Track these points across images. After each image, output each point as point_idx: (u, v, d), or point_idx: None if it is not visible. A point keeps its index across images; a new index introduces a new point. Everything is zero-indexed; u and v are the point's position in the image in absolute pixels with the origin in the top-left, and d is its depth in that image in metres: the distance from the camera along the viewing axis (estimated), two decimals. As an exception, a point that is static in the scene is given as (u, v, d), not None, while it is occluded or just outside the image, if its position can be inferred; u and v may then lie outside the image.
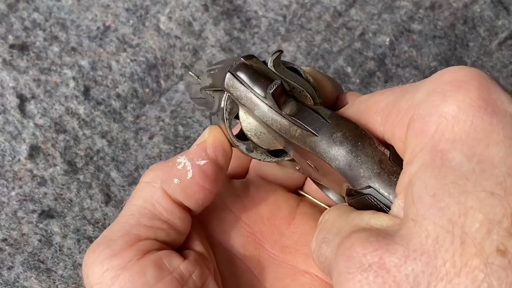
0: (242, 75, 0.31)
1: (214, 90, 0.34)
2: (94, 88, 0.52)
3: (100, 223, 0.48)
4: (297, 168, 0.34)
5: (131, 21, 0.55)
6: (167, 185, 0.32)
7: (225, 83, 0.32)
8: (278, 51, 0.32)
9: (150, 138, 0.51)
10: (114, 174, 0.50)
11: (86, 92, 0.52)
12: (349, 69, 0.54)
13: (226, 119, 0.33)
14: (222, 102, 0.33)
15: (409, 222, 0.24)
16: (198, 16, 0.55)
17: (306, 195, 0.37)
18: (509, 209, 0.23)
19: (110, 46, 0.54)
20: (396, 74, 0.55)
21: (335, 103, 0.35)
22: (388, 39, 0.56)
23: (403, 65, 0.55)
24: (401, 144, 0.28)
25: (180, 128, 0.52)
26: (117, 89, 0.53)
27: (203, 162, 0.32)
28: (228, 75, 0.32)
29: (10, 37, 0.53)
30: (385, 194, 0.28)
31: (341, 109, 0.33)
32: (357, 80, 0.54)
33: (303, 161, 0.32)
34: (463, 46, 0.56)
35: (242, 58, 0.32)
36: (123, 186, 0.49)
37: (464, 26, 0.57)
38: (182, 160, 0.32)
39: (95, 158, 0.50)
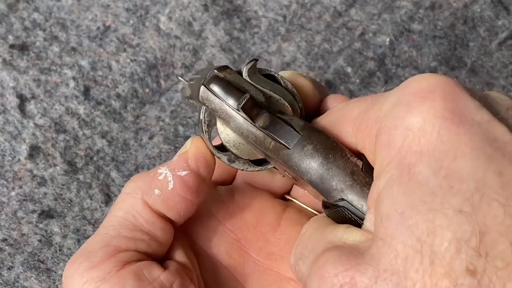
0: (215, 88, 0.31)
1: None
2: (94, 88, 0.52)
3: (100, 223, 0.48)
4: (282, 175, 0.34)
5: (131, 21, 0.55)
6: (148, 196, 0.31)
7: (200, 96, 0.31)
8: (253, 59, 0.32)
9: (150, 138, 0.51)
10: (114, 174, 0.50)
11: (86, 92, 0.52)
12: (349, 69, 0.54)
13: (205, 132, 0.32)
14: (201, 114, 0.32)
15: (378, 241, 0.24)
16: (198, 16, 0.55)
17: (293, 200, 0.37)
18: (477, 227, 0.22)
19: (110, 46, 0.54)
20: (396, 74, 0.55)
21: (319, 107, 0.34)
22: (388, 39, 0.56)
23: (403, 65, 0.55)
24: (371, 156, 0.28)
25: (180, 128, 0.52)
26: (117, 89, 0.53)
27: (184, 173, 0.31)
28: (202, 88, 0.31)
29: (10, 37, 0.53)
30: (358, 206, 0.28)
31: (319, 117, 0.32)
32: (357, 80, 0.54)
33: (283, 172, 0.32)
34: (463, 46, 0.56)
35: (215, 70, 0.31)
36: (123, 186, 0.49)
37: (464, 26, 0.57)
38: (163, 171, 0.32)
39: (95, 158, 0.50)
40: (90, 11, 0.55)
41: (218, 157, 0.32)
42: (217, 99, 0.31)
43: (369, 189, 0.27)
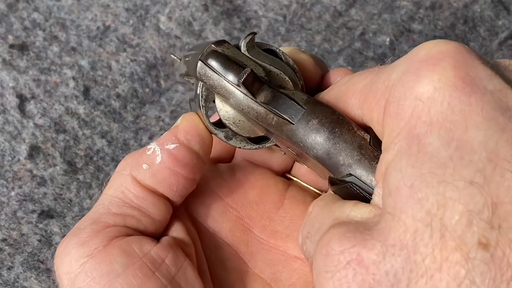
0: (213, 63, 0.30)
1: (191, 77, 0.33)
2: (94, 88, 0.52)
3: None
4: (283, 152, 0.33)
5: (131, 21, 0.55)
6: (136, 171, 0.31)
7: (197, 72, 0.30)
8: (251, 33, 0.31)
9: (150, 138, 0.51)
10: (114, 174, 0.50)
11: (86, 92, 0.52)
12: (349, 69, 0.54)
13: (203, 107, 0.31)
14: (198, 89, 0.31)
15: (386, 215, 0.23)
16: (198, 16, 0.55)
17: (295, 179, 0.36)
18: (489, 199, 0.21)
19: (110, 46, 0.54)
20: (396, 74, 0.55)
21: (320, 83, 0.33)
22: (388, 39, 0.56)
23: (403, 65, 0.55)
24: (379, 128, 0.27)
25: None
26: (117, 89, 0.53)
27: (173, 146, 0.31)
28: (199, 63, 0.30)
29: (10, 37, 0.53)
30: (367, 181, 0.27)
31: (323, 91, 0.31)
32: (357, 80, 0.54)
33: (285, 148, 0.31)
34: (464, 46, 0.56)
35: (212, 45, 0.30)
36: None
37: (464, 26, 0.57)
38: (152, 146, 0.31)
39: (95, 158, 0.50)
40: (90, 11, 0.55)
41: (215, 134, 0.31)
42: (216, 74, 0.30)
43: (377, 163, 0.26)
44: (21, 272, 0.46)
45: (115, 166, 0.50)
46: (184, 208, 0.33)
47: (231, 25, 0.55)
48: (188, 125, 0.31)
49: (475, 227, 0.21)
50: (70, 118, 0.51)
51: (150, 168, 0.31)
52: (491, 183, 0.22)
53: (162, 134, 0.51)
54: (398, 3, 0.57)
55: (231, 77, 0.29)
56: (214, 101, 0.31)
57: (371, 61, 0.55)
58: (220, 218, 0.34)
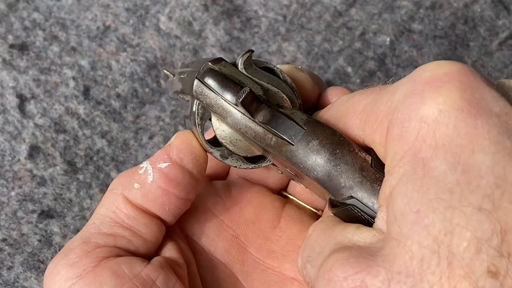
0: (210, 82, 0.29)
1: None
2: (94, 88, 0.52)
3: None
4: (280, 172, 0.32)
5: (131, 21, 0.55)
6: (128, 190, 0.30)
7: (194, 90, 0.29)
8: (249, 51, 0.30)
9: (150, 138, 0.51)
10: (114, 174, 0.50)
11: (86, 92, 0.52)
12: (349, 69, 0.54)
13: (198, 125, 0.30)
14: (194, 106, 0.30)
15: (391, 242, 0.22)
16: (198, 16, 0.55)
17: (291, 197, 0.35)
18: (498, 226, 0.21)
19: (110, 46, 0.54)
20: (397, 74, 0.55)
21: (317, 102, 0.33)
22: (388, 39, 0.56)
23: (404, 65, 0.55)
24: (382, 149, 0.26)
25: (180, 128, 0.52)
26: (117, 89, 0.52)
27: (165, 165, 0.30)
28: (196, 82, 0.29)
29: (10, 37, 0.53)
30: (369, 204, 0.27)
31: (321, 110, 0.31)
32: (358, 80, 0.54)
33: (283, 168, 0.31)
34: (464, 46, 0.56)
35: (209, 63, 0.29)
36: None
37: (464, 26, 0.56)
38: (144, 164, 0.30)
39: (95, 158, 0.50)
40: (90, 11, 0.55)
41: (211, 152, 0.31)
42: (213, 93, 0.29)
43: (379, 185, 0.26)
44: (21, 272, 0.46)
45: (115, 166, 0.50)
46: (179, 226, 0.33)
47: (231, 25, 0.55)
48: (181, 143, 0.31)
49: (484, 254, 0.21)
50: (70, 118, 0.51)
51: (141, 187, 0.30)
52: (500, 209, 0.21)
53: (162, 134, 0.51)
54: (398, 3, 0.57)
55: (229, 96, 0.29)
56: (210, 119, 0.31)
57: (371, 61, 0.55)
58: (215, 237, 0.33)
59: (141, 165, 0.31)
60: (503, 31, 0.56)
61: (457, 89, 0.23)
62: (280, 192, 0.36)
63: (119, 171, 0.50)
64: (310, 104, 0.33)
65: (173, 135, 0.51)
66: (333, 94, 0.32)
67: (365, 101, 0.27)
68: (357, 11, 0.56)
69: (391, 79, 0.28)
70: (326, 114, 0.30)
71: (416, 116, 0.23)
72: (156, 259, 0.30)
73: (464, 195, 0.21)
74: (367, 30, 0.56)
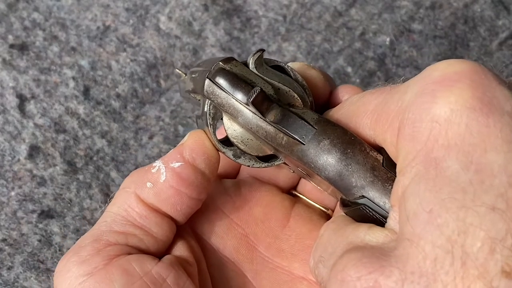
0: (221, 81, 0.29)
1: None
2: (94, 88, 0.52)
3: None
4: (292, 171, 0.32)
5: (131, 21, 0.55)
6: (140, 189, 0.30)
7: (205, 90, 0.29)
8: (260, 50, 0.30)
9: (150, 138, 0.51)
10: (114, 174, 0.50)
11: (86, 92, 0.52)
12: (349, 69, 0.54)
13: (210, 125, 0.30)
14: (206, 106, 0.30)
15: (404, 242, 0.22)
16: (198, 16, 0.55)
17: (301, 196, 0.35)
18: None
19: (110, 46, 0.54)
20: (397, 74, 0.55)
21: (328, 100, 0.33)
22: (388, 39, 0.56)
23: (404, 65, 0.55)
24: (393, 149, 0.26)
25: (180, 128, 0.52)
26: (117, 89, 0.52)
27: (177, 164, 0.30)
28: (207, 81, 0.29)
29: (10, 37, 0.53)
30: (381, 203, 0.27)
31: (332, 109, 0.31)
32: (358, 80, 0.54)
33: (295, 167, 0.31)
34: (464, 46, 0.56)
35: (220, 62, 0.29)
36: (123, 186, 0.49)
37: (464, 26, 0.56)
38: (157, 163, 0.30)
39: (95, 158, 0.50)
40: (90, 11, 0.55)
41: (223, 152, 0.31)
42: (224, 93, 0.29)
43: (391, 185, 0.26)
44: (21, 272, 0.46)
45: (115, 166, 0.50)
46: (189, 225, 0.33)
47: (231, 25, 0.55)
48: (194, 143, 0.31)
49: (498, 254, 0.20)
50: (70, 118, 0.51)
51: (154, 187, 0.30)
52: None
53: (162, 134, 0.51)
54: (398, 3, 0.57)
55: (239, 96, 0.29)
56: (221, 119, 0.31)
57: (371, 61, 0.55)
58: (225, 235, 0.33)
59: (154, 164, 0.31)
60: (503, 31, 0.56)
61: (469, 88, 0.23)
62: (290, 191, 0.36)
63: (119, 171, 0.50)
64: (322, 102, 0.33)
65: (173, 135, 0.51)
66: (344, 92, 0.32)
67: (375, 100, 0.27)
68: (357, 11, 0.56)
69: (401, 79, 0.28)
70: (337, 113, 0.30)
71: (428, 115, 0.23)
72: (166, 258, 0.30)
73: (477, 195, 0.21)
74: (367, 30, 0.56)
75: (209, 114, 0.30)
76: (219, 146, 0.31)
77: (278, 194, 0.35)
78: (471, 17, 0.57)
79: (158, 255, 0.31)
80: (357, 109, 0.28)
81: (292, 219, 0.34)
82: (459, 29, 0.56)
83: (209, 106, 0.30)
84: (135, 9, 0.55)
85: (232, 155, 0.31)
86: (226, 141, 0.31)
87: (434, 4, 0.57)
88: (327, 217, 0.35)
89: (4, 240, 0.47)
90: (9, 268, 0.46)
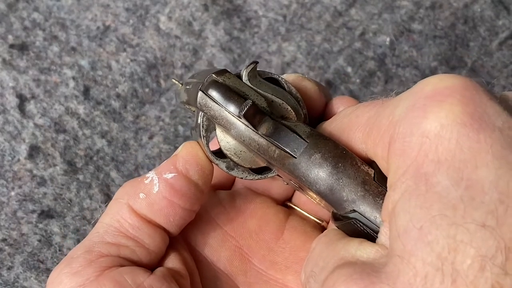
0: (214, 94, 0.29)
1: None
2: (94, 88, 0.52)
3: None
4: (285, 183, 0.32)
5: (131, 21, 0.55)
6: (133, 200, 0.30)
7: (198, 102, 0.30)
8: (253, 62, 0.30)
9: (150, 138, 0.51)
10: (114, 174, 0.50)
11: (86, 92, 0.52)
12: (349, 69, 0.54)
13: (203, 137, 0.31)
14: (199, 118, 0.31)
15: (395, 258, 0.22)
16: (198, 16, 0.55)
17: (295, 208, 0.35)
18: (502, 243, 0.21)
19: (110, 46, 0.54)
20: (396, 74, 0.55)
21: (324, 111, 0.33)
22: (388, 39, 0.56)
23: (403, 65, 0.55)
24: (384, 163, 0.26)
25: (180, 128, 0.52)
26: (117, 89, 0.52)
27: (170, 175, 0.30)
28: (200, 94, 0.29)
29: (10, 37, 0.53)
30: (371, 218, 0.26)
31: (325, 122, 0.31)
32: (357, 80, 0.54)
33: (288, 180, 0.31)
34: (464, 46, 0.56)
35: (213, 75, 0.29)
36: (123, 186, 0.49)
37: (464, 26, 0.56)
38: (150, 174, 0.30)
39: (95, 158, 0.50)
40: (90, 11, 0.55)
41: (216, 164, 0.31)
42: (216, 105, 0.29)
43: (382, 199, 0.26)
44: (21, 272, 0.46)
45: (115, 166, 0.50)
46: (182, 236, 0.33)
47: (231, 25, 0.55)
48: (187, 154, 0.31)
49: (488, 272, 0.20)
50: (70, 118, 0.51)
51: (146, 198, 0.30)
52: (504, 226, 0.21)
53: (162, 134, 0.51)
54: (398, 3, 0.57)
55: (232, 108, 0.29)
56: (215, 130, 0.31)
57: (371, 61, 0.55)
58: (218, 247, 0.33)
59: (147, 175, 0.31)
60: (503, 31, 0.56)
61: (459, 103, 0.23)
62: (285, 203, 0.36)
63: (119, 171, 0.50)
64: (317, 113, 0.33)
65: (173, 135, 0.51)
66: (339, 104, 0.32)
67: (368, 114, 0.27)
68: (357, 11, 0.56)
69: (394, 92, 0.28)
70: (330, 126, 0.30)
71: (418, 130, 0.23)
72: (159, 270, 0.30)
73: (467, 212, 0.21)
74: (367, 30, 0.56)
75: (203, 126, 0.31)
76: (212, 157, 0.31)
77: (273, 206, 0.35)
78: (471, 17, 0.57)
79: (151, 266, 0.31)
80: (350, 122, 0.28)
81: (287, 231, 0.34)
82: (459, 29, 0.56)
83: (203, 118, 0.30)
84: (135, 9, 0.55)
85: (225, 167, 0.31)
86: (220, 153, 0.31)
87: (434, 4, 0.57)
88: (322, 229, 0.35)
89: (4, 240, 0.47)
90: (9, 268, 0.46)
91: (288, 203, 0.36)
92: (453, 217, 0.21)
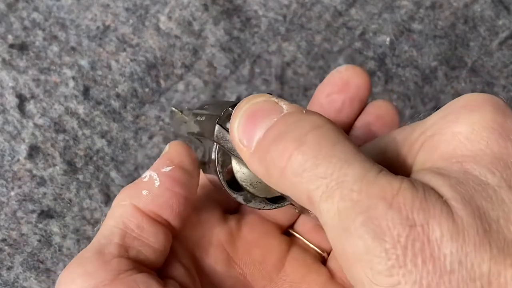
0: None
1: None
2: (93, 88, 0.52)
3: (100, 223, 0.48)
4: (297, 210, 0.33)
5: (130, 21, 0.55)
6: (137, 199, 0.31)
7: (215, 135, 0.30)
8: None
9: (150, 138, 0.51)
10: (113, 174, 0.50)
11: (86, 91, 0.52)
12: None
13: (220, 172, 0.31)
14: (213, 154, 0.32)
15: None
16: (198, 16, 0.55)
17: (298, 237, 0.36)
18: None
19: (110, 46, 0.54)
20: (396, 74, 0.55)
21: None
22: (388, 39, 0.56)
23: (404, 65, 0.55)
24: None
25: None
26: (116, 89, 0.52)
27: (168, 168, 0.31)
28: (218, 127, 0.30)
29: (10, 36, 0.53)
30: None
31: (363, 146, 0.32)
32: (357, 80, 0.54)
33: (300, 207, 0.31)
34: (464, 46, 0.56)
35: (230, 108, 0.30)
36: (122, 186, 0.49)
37: (464, 25, 0.56)
38: (147, 173, 0.31)
39: (94, 158, 0.50)
40: (90, 11, 0.55)
41: (234, 197, 0.32)
42: None
43: None
44: (20, 272, 0.46)
45: (115, 166, 0.50)
46: (192, 257, 0.33)
47: (231, 25, 0.55)
48: (178, 148, 0.32)
49: None
50: (69, 118, 0.51)
51: (150, 193, 0.31)
52: None
53: (162, 134, 0.51)
54: (398, 3, 0.57)
55: None
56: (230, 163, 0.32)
57: (371, 60, 0.55)
58: (224, 273, 0.34)
59: (144, 175, 0.31)
60: (503, 31, 0.56)
61: (490, 113, 0.24)
62: (288, 229, 0.37)
63: (118, 171, 0.50)
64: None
65: (173, 135, 0.51)
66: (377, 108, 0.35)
67: (404, 131, 0.28)
68: (357, 11, 0.56)
69: (421, 115, 0.29)
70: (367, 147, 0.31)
71: (449, 131, 0.24)
72: (172, 284, 0.31)
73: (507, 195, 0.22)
74: (367, 30, 0.56)
75: (218, 162, 0.31)
76: (230, 192, 0.32)
77: (277, 236, 0.36)
78: (471, 17, 0.57)
79: (156, 266, 0.31)
80: (388, 142, 0.29)
81: (288, 264, 0.35)
82: (459, 29, 0.56)
83: (217, 154, 0.31)
84: (135, 9, 0.55)
85: (243, 199, 0.32)
86: (233, 183, 0.32)
87: (434, 4, 0.57)
88: (322, 259, 0.36)
89: (4, 240, 0.47)
90: (9, 268, 0.46)
91: (291, 231, 0.37)
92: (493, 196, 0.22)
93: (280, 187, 0.26)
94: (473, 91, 0.54)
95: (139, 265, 0.30)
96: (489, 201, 0.22)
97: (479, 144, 0.23)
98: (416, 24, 0.56)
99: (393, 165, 0.28)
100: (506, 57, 0.55)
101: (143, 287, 0.29)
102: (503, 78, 0.55)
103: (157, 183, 0.31)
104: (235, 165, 0.31)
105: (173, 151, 0.32)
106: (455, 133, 0.24)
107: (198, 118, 0.33)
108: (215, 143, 0.31)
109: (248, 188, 0.32)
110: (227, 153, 0.31)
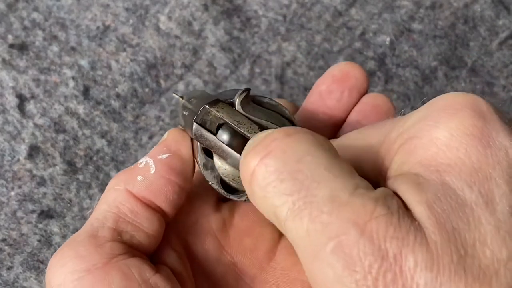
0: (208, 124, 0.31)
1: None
2: (93, 88, 0.52)
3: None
4: None
5: (130, 21, 0.55)
6: (131, 184, 0.31)
7: (193, 133, 0.31)
8: (245, 90, 0.31)
9: (150, 138, 0.51)
10: (113, 174, 0.50)
11: (86, 91, 0.52)
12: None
13: (203, 171, 0.32)
14: (197, 152, 0.32)
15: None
16: (198, 16, 0.55)
17: None
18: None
19: (110, 46, 0.54)
20: (396, 74, 0.55)
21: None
22: (388, 39, 0.56)
23: (404, 65, 0.55)
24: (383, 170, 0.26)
25: (180, 128, 0.52)
26: (116, 89, 0.52)
27: (165, 156, 0.31)
28: (195, 125, 0.31)
29: (10, 36, 0.53)
30: None
31: (336, 140, 0.31)
32: (357, 80, 0.54)
33: None
34: (464, 46, 0.56)
35: (207, 106, 0.31)
36: (122, 186, 0.49)
37: (464, 25, 0.56)
38: (143, 160, 0.32)
39: (94, 158, 0.50)
40: (90, 11, 0.55)
41: (216, 189, 0.32)
42: (211, 135, 0.31)
43: None
44: (20, 272, 0.46)
45: (115, 166, 0.50)
46: (184, 245, 0.33)
47: (231, 25, 0.55)
48: (177, 135, 0.32)
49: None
50: (69, 118, 0.51)
51: (145, 179, 0.31)
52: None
53: (162, 134, 0.51)
54: (398, 3, 0.57)
55: (225, 137, 0.30)
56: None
57: (371, 60, 0.55)
58: (215, 261, 0.33)
59: (140, 161, 0.32)
60: (503, 31, 0.56)
61: (470, 117, 0.24)
62: None
63: (119, 171, 0.50)
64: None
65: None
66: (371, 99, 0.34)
67: (381, 129, 0.28)
68: (357, 11, 0.56)
69: (402, 111, 0.29)
70: (341, 141, 0.30)
71: (428, 136, 0.24)
72: (165, 269, 0.31)
73: (483, 215, 0.22)
74: (367, 30, 0.56)
75: (201, 153, 0.32)
76: (224, 193, 0.32)
77: (269, 225, 0.35)
78: (471, 17, 0.57)
79: (149, 251, 0.31)
80: (363, 139, 0.29)
81: (279, 252, 0.34)
82: (459, 29, 0.56)
83: (201, 155, 0.32)
84: (135, 9, 0.55)
85: (226, 191, 0.32)
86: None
87: (434, 4, 0.57)
88: None
89: (4, 240, 0.47)
90: (9, 268, 0.46)
91: None
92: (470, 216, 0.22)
93: (254, 202, 0.26)
94: (473, 91, 0.54)
95: (132, 249, 0.30)
96: (466, 222, 0.22)
97: (457, 151, 0.23)
98: (416, 24, 0.56)
99: (371, 159, 0.28)
100: (506, 57, 0.55)
101: (135, 271, 0.28)
102: (503, 78, 0.55)
103: (152, 169, 0.31)
104: (216, 161, 0.32)
105: (171, 138, 0.32)
106: (433, 139, 0.23)
107: (184, 113, 0.34)
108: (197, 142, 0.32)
109: (231, 183, 0.32)
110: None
